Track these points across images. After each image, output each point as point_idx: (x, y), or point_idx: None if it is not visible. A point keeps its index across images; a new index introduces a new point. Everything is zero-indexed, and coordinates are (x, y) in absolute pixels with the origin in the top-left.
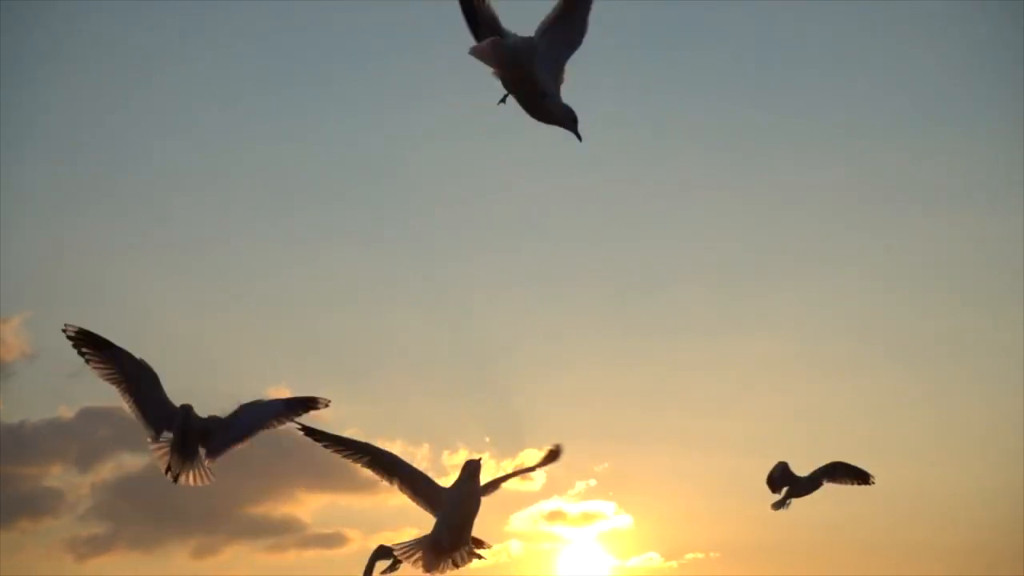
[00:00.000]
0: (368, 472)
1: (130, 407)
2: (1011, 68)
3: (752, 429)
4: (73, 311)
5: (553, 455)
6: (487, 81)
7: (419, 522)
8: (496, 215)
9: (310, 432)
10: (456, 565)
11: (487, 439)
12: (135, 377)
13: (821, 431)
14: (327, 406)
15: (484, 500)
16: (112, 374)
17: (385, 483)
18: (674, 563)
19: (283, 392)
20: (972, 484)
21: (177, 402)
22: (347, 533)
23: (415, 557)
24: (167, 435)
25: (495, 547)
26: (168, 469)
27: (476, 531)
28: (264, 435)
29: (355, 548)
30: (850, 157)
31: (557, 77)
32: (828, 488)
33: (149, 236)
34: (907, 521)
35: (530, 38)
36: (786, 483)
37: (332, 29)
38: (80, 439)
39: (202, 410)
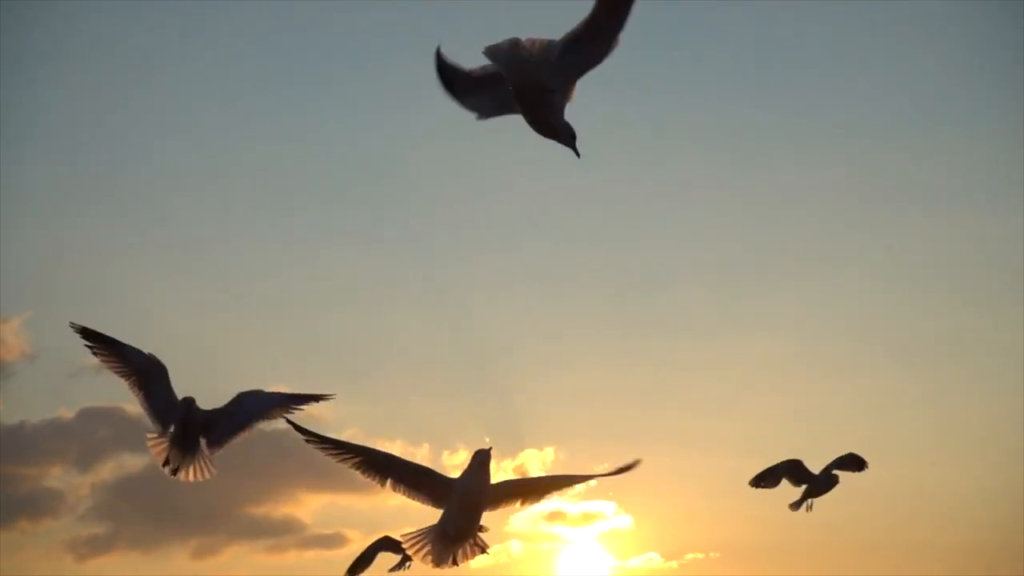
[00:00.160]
0: (368, 479)
1: (139, 402)
2: (1011, 68)
3: (752, 429)
4: (73, 311)
5: (627, 468)
6: None
7: (420, 522)
8: (496, 215)
9: (300, 430)
10: (464, 558)
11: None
12: (144, 372)
13: (821, 431)
14: (331, 398)
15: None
16: (121, 369)
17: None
18: (674, 563)
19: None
20: (972, 484)
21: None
22: (347, 533)
23: (422, 548)
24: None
25: (495, 547)
26: (165, 463)
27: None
28: (264, 435)
29: (355, 548)
30: (850, 157)
31: (567, 93)
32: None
33: (149, 236)
34: (907, 521)
35: (551, 47)
36: (802, 482)
37: (332, 29)
38: (80, 439)
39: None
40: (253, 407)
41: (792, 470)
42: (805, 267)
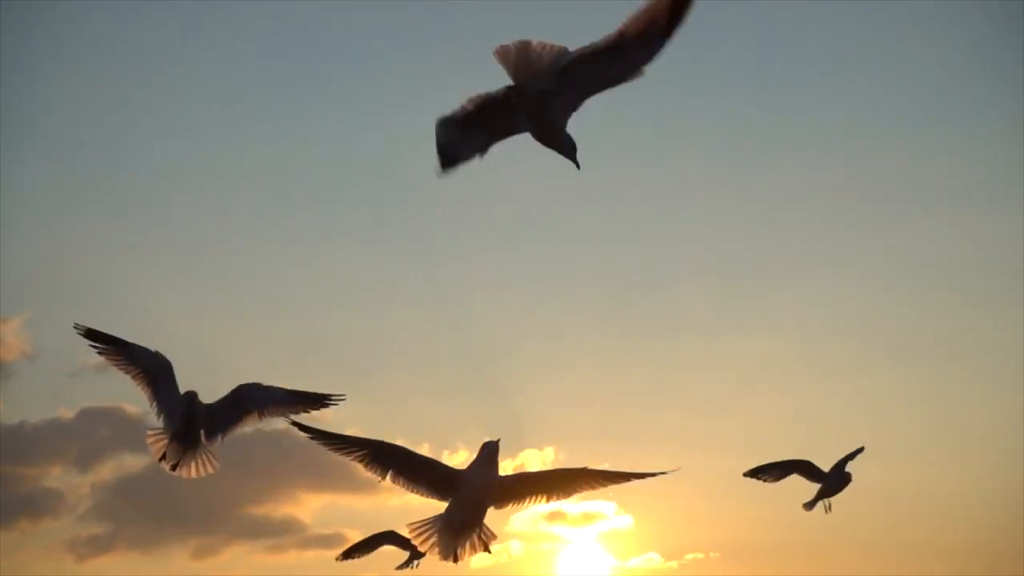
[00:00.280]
0: (369, 472)
1: (147, 398)
2: (1011, 68)
3: (752, 429)
4: (73, 311)
5: (657, 473)
6: (487, 81)
7: None
8: (496, 215)
9: (304, 429)
10: (472, 550)
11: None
12: (151, 370)
13: (821, 431)
14: (341, 401)
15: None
16: (127, 367)
17: (386, 482)
18: (674, 563)
19: None
20: (972, 484)
21: None
22: (347, 533)
23: (429, 538)
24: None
25: (495, 547)
26: (162, 458)
27: None
28: (264, 435)
29: None
30: (850, 157)
31: (574, 104)
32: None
33: (149, 236)
34: (907, 521)
35: (562, 56)
36: (816, 480)
37: (332, 29)
38: (80, 439)
39: None
40: (255, 398)
41: (802, 469)
42: (805, 267)
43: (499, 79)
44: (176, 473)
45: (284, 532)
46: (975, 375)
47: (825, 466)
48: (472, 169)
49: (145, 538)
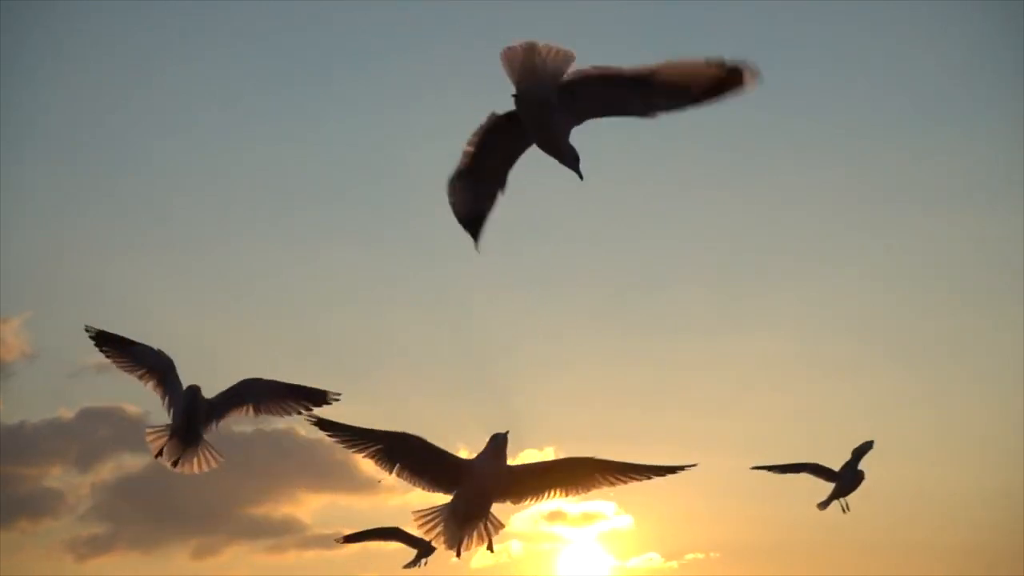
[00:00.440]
0: (368, 472)
1: (159, 396)
2: (1011, 68)
3: (752, 429)
4: (73, 311)
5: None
6: (487, 81)
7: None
8: (496, 215)
9: (325, 426)
10: (479, 540)
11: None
12: (158, 368)
13: (821, 431)
14: (337, 400)
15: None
16: (135, 369)
17: (386, 482)
18: (674, 563)
19: None
20: (972, 484)
21: None
22: (347, 533)
23: (435, 528)
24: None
25: (495, 547)
26: (159, 453)
27: None
28: (264, 435)
29: (355, 549)
30: (850, 157)
31: (573, 122)
32: (828, 488)
33: (149, 236)
34: (907, 521)
35: (567, 61)
36: (829, 480)
37: (332, 29)
38: (80, 439)
39: None
40: (254, 392)
41: (812, 470)
42: (805, 267)
43: (498, 79)
44: (178, 469)
45: (284, 532)
46: (975, 375)
47: (834, 465)
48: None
49: (145, 538)
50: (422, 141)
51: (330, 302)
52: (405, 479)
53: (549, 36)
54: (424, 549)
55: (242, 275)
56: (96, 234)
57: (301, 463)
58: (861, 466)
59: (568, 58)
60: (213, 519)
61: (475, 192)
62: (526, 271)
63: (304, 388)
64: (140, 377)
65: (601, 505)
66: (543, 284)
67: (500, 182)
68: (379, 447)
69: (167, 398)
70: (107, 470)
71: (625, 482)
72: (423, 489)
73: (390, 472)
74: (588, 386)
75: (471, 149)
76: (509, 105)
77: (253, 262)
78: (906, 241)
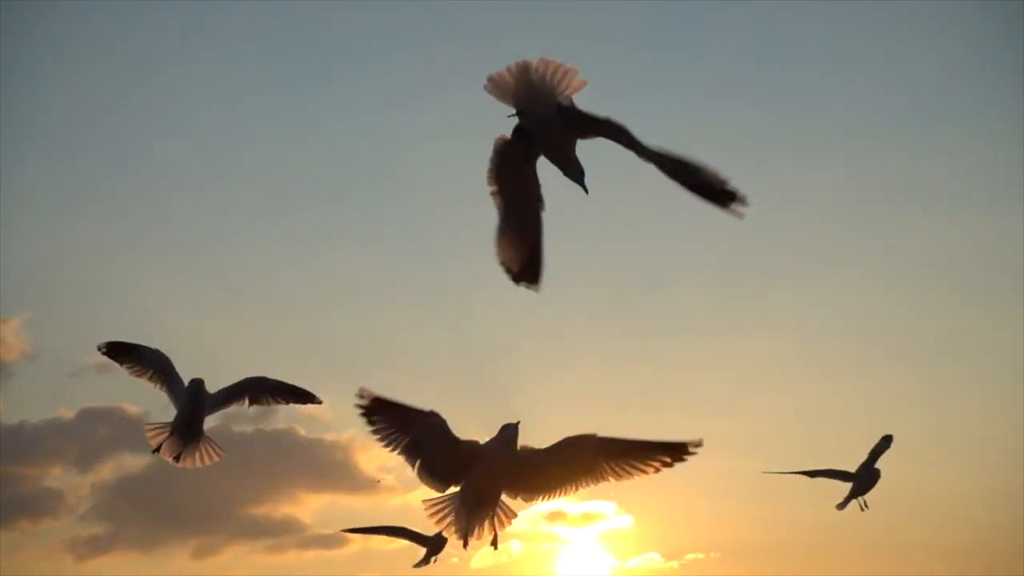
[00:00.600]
0: (368, 472)
1: (166, 394)
2: (1011, 68)
3: (752, 429)
4: (73, 311)
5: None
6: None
7: (419, 522)
8: (496, 215)
9: (370, 412)
10: (490, 529)
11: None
12: (160, 368)
13: (821, 431)
14: (319, 403)
15: None
16: (143, 371)
17: (387, 482)
18: (674, 563)
19: None
20: (972, 484)
21: None
22: (347, 533)
23: (445, 517)
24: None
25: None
26: (157, 449)
27: None
28: (264, 435)
29: (355, 549)
30: (850, 157)
31: (575, 139)
32: (827, 487)
33: (149, 236)
34: (907, 521)
35: (565, 80)
36: (848, 480)
37: (332, 29)
38: (80, 439)
39: None
40: (252, 388)
41: (828, 475)
42: (805, 267)
43: None
44: (180, 464)
45: (284, 532)
46: (975, 375)
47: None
48: (472, 169)
49: (145, 538)
50: (422, 141)
51: (330, 302)
52: (423, 474)
53: (549, 36)
54: (433, 548)
55: (242, 275)
56: (96, 234)
57: (301, 463)
58: (878, 464)
59: (568, 73)
60: (213, 519)
61: (522, 225)
62: None
63: (299, 388)
64: (150, 379)
65: (601, 505)
66: (543, 284)
67: (536, 198)
68: (408, 440)
69: (174, 394)
70: (107, 470)
71: (629, 472)
72: (436, 489)
73: (413, 466)
74: (588, 386)
75: (495, 187)
76: (506, 110)
77: (253, 262)
78: (906, 241)
